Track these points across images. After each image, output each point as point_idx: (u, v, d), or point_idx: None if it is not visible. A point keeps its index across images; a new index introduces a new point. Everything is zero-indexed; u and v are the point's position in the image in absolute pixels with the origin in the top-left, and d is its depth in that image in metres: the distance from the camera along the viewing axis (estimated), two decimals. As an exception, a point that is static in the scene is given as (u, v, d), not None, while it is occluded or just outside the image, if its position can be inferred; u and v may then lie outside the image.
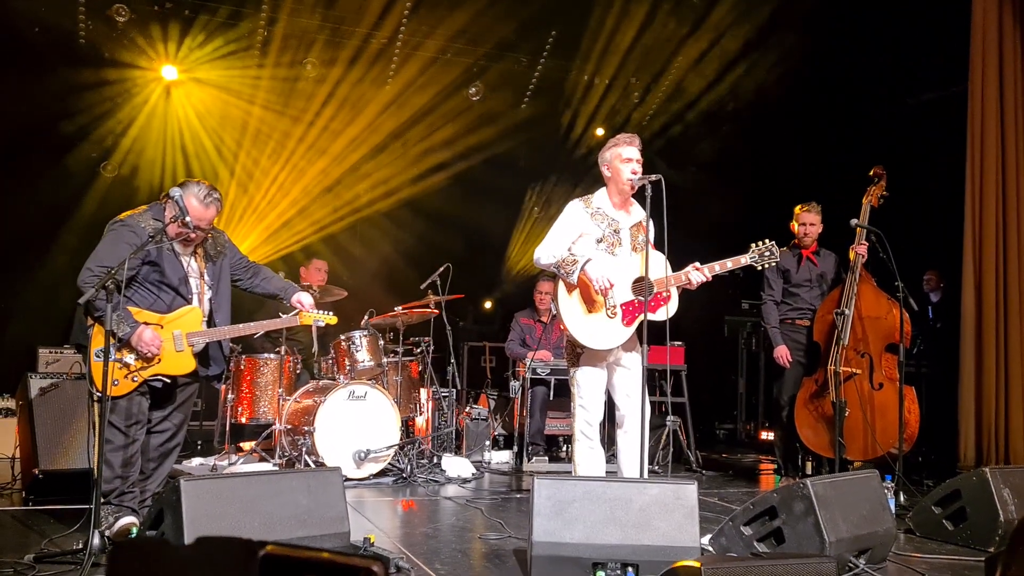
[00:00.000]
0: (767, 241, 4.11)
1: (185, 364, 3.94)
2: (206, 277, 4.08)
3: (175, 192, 3.82)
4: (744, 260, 4.11)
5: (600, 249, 4.10)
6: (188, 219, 3.78)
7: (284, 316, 4.40)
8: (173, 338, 3.88)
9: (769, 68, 8.26)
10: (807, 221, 5.93)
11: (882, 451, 5.42)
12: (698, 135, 9.44)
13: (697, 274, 4.03)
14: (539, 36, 8.25)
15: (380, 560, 0.58)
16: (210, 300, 4.10)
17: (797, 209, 6.00)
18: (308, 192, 8.96)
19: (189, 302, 3.99)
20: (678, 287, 4.10)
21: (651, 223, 4.20)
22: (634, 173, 4.08)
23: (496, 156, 9.36)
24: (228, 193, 8.52)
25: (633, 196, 4.19)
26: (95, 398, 3.66)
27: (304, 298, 4.37)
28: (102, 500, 3.78)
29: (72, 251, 6.70)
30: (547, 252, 4.12)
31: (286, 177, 8.84)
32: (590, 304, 4.07)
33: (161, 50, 7.79)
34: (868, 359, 5.61)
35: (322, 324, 4.50)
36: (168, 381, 3.93)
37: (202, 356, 4.08)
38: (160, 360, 3.85)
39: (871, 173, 5.84)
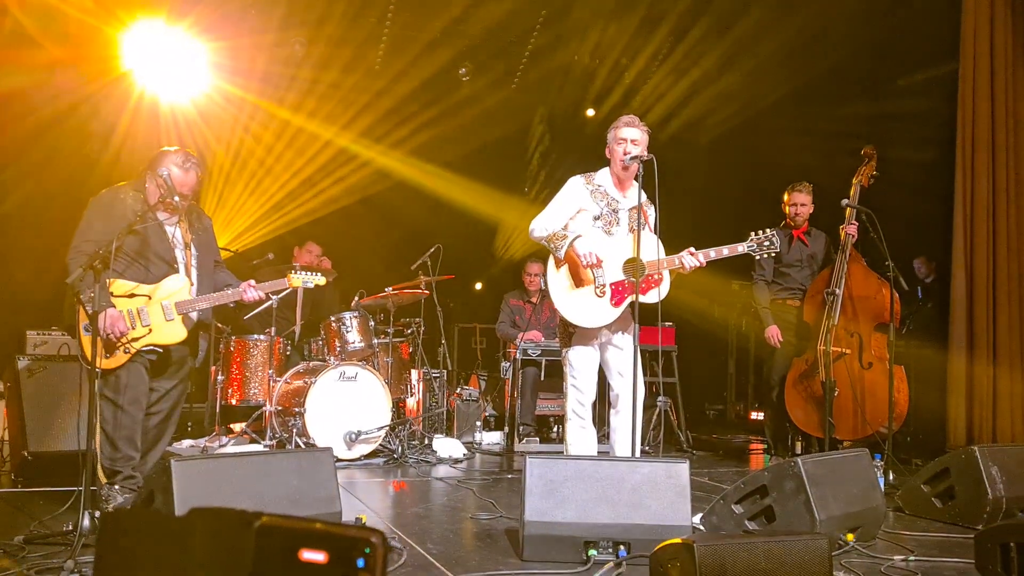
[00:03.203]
0: (766, 230, 4.09)
1: (176, 333, 3.94)
2: (192, 249, 4.08)
3: (163, 172, 3.82)
4: (741, 248, 4.09)
5: (597, 227, 4.09)
6: (176, 199, 3.81)
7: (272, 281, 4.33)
8: (163, 308, 3.89)
9: (761, 49, 8.22)
10: (798, 201, 5.94)
11: (871, 430, 5.45)
12: (689, 120, 9.41)
13: (691, 259, 4.02)
14: (529, 14, 8.18)
15: (378, 531, 0.57)
16: (196, 272, 4.09)
17: (788, 190, 6.01)
18: (299, 175, 8.90)
19: (177, 272, 3.99)
20: (671, 270, 4.09)
21: (652, 206, 4.18)
22: (626, 153, 4.06)
23: (486, 136, 9.30)
24: (215, 174, 8.45)
25: (635, 179, 4.16)
26: (90, 371, 3.63)
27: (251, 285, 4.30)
28: (105, 481, 3.79)
29: (59, 234, 6.62)
30: (541, 225, 4.12)
31: (277, 158, 8.78)
32: (578, 281, 4.06)
33: (145, 31, 7.68)
34: (858, 339, 5.63)
35: (311, 286, 4.47)
36: (160, 351, 3.93)
37: (191, 343, 4.08)
38: (151, 330, 3.85)
39: (861, 153, 5.85)
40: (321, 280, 4.48)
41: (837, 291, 5.52)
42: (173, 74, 8.00)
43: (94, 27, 7.48)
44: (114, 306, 3.78)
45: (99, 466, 3.85)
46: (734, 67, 8.67)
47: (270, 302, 6.10)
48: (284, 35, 7.92)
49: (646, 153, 4.00)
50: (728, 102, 9.21)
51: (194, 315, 4.04)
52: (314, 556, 0.54)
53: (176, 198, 3.85)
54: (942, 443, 6.07)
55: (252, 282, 4.21)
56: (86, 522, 3.23)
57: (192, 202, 4.15)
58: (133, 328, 3.83)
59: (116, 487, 3.83)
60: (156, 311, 3.88)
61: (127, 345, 3.79)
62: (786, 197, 6.00)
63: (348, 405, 5.64)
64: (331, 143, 8.88)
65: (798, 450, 6.04)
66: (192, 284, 4.05)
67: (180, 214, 4.05)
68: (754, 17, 7.82)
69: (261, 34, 7.82)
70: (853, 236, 5.63)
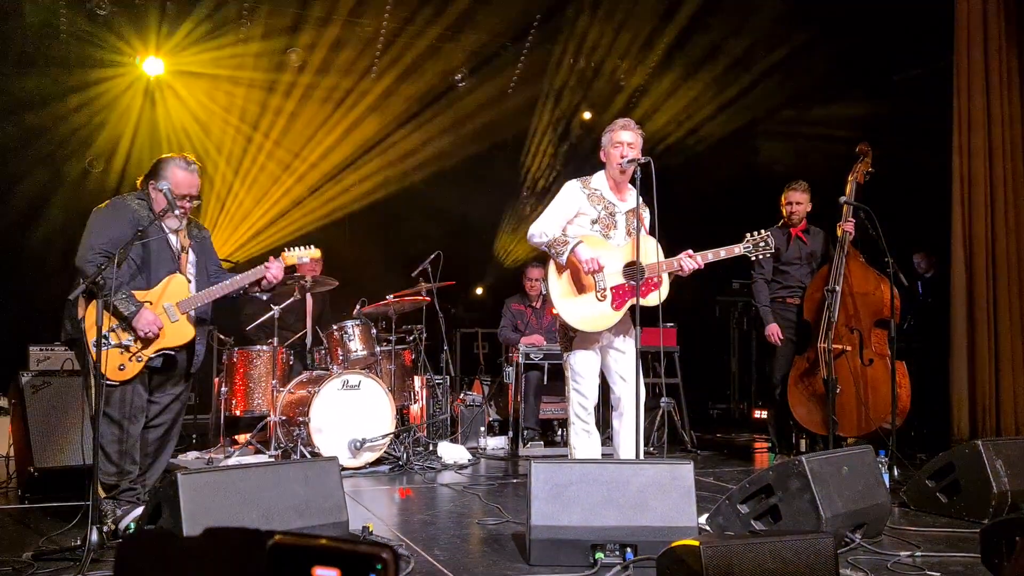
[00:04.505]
0: (762, 231, 4.13)
1: (184, 333, 3.97)
2: (190, 253, 4.11)
3: (163, 185, 3.85)
4: (738, 250, 4.12)
5: (595, 231, 4.11)
6: (178, 212, 3.86)
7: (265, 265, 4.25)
8: (165, 311, 3.90)
9: (756, 48, 8.24)
10: (794, 200, 5.95)
11: (874, 427, 5.46)
12: (687, 124, 9.44)
13: (689, 261, 4.04)
14: (524, 19, 8.20)
15: (388, 547, 0.58)
16: (194, 275, 4.11)
17: (785, 188, 6.02)
18: (303, 182, 8.93)
19: (176, 273, 4.03)
20: (670, 273, 4.11)
21: (647, 209, 4.20)
22: (623, 157, 4.08)
23: (484, 142, 9.33)
24: (215, 188, 8.49)
25: (631, 183, 4.18)
26: (96, 385, 3.64)
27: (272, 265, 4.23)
28: (104, 495, 3.79)
29: (61, 249, 6.66)
30: (540, 230, 4.13)
31: (277, 166, 8.81)
32: (579, 286, 4.08)
33: (141, 45, 7.73)
34: (858, 335, 5.64)
35: (306, 260, 4.43)
36: (171, 354, 3.96)
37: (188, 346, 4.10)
38: (160, 335, 3.87)
39: (856, 150, 5.85)
40: (316, 253, 4.41)
41: (837, 288, 5.53)
42: (175, 87, 8.06)
43: (112, 55, 7.61)
44: (143, 306, 3.83)
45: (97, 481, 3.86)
46: (733, 72, 8.69)
47: (273, 311, 6.11)
48: (281, 43, 7.95)
49: (642, 156, 4.01)
50: (726, 105, 9.23)
51: (193, 313, 4.05)
52: (327, 573, 0.56)
53: (177, 211, 3.88)
54: (946, 438, 6.08)
55: (251, 273, 4.20)
56: (94, 537, 3.24)
57: (191, 215, 4.17)
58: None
59: (115, 500, 3.84)
60: (161, 316, 3.90)
61: (138, 354, 3.81)
62: (783, 196, 6.03)
63: (352, 414, 5.65)
64: (330, 153, 8.90)
65: (802, 448, 6.04)
66: (190, 282, 4.06)
67: (184, 219, 4.08)
68: (753, 28, 7.85)
69: (260, 42, 7.85)
70: (851, 233, 5.65)
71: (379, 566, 0.56)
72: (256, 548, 0.54)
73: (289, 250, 4.35)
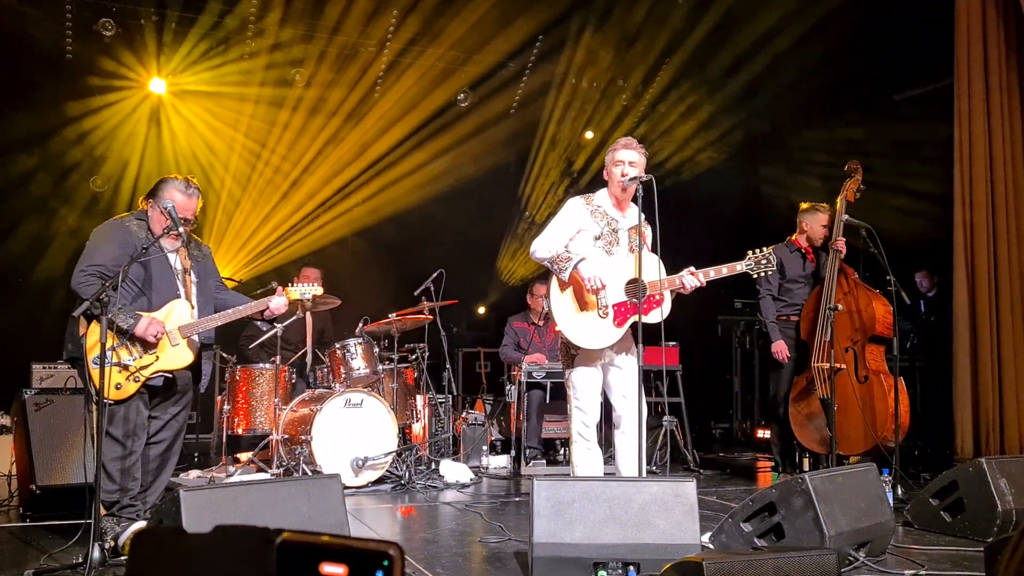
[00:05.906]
0: (764, 249, 4.12)
1: (183, 357, 3.99)
2: (191, 274, 4.12)
3: (167, 204, 3.87)
4: (740, 267, 4.11)
5: (597, 247, 4.11)
6: (181, 230, 3.87)
7: (270, 298, 4.31)
8: (168, 335, 3.91)
9: (760, 70, 8.30)
10: (828, 224, 5.89)
11: (874, 443, 5.44)
12: (685, 142, 9.49)
13: (691, 278, 4.03)
14: (527, 39, 8.27)
15: (395, 544, 0.59)
16: (196, 297, 4.12)
17: (815, 209, 5.98)
18: (307, 198, 8.97)
19: (179, 298, 4.04)
20: (672, 290, 4.11)
21: (648, 227, 4.21)
22: (624, 175, 4.09)
23: (486, 163, 9.38)
24: (221, 203, 8.53)
25: (633, 201, 4.19)
26: (96, 404, 3.64)
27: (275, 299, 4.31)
28: (104, 512, 3.79)
29: (63, 267, 6.69)
30: (543, 246, 4.14)
31: (284, 180, 8.86)
32: (581, 303, 4.08)
33: (143, 68, 7.81)
34: (852, 353, 5.64)
35: (308, 297, 4.47)
36: (170, 376, 3.97)
37: (194, 367, 4.11)
38: (159, 357, 3.88)
39: (846, 168, 5.84)
40: (318, 290, 4.48)
41: (840, 306, 5.52)
42: (180, 107, 8.12)
43: (117, 80, 7.66)
44: (142, 315, 3.84)
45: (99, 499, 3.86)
46: (736, 94, 8.74)
47: (275, 330, 6.12)
48: (286, 60, 8.03)
49: (644, 174, 4.03)
50: (729, 127, 9.28)
51: (196, 338, 4.07)
52: (334, 570, 0.56)
53: (180, 229, 3.90)
54: (950, 456, 6.06)
55: (254, 304, 4.23)
56: (96, 554, 3.24)
57: (190, 232, 4.19)
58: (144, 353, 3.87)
59: (115, 517, 3.84)
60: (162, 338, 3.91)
61: (136, 374, 3.82)
62: (811, 218, 5.98)
63: (354, 432, 5.65)
64: (334, 173, 8.95)
65: (805, 467, 6.01)
66: (193, 307, 4.08)
67: (182, 241, 4.10)
68: (756, 50, 7.91)
69: (266, 57, 7.93)
70: (842, 251, 5.65)
71: (386, 562, 0.56)
72: (265, 546, 0.54)
73: (293, 286, 4.41)
